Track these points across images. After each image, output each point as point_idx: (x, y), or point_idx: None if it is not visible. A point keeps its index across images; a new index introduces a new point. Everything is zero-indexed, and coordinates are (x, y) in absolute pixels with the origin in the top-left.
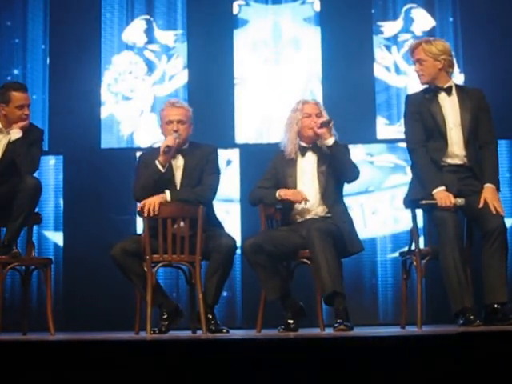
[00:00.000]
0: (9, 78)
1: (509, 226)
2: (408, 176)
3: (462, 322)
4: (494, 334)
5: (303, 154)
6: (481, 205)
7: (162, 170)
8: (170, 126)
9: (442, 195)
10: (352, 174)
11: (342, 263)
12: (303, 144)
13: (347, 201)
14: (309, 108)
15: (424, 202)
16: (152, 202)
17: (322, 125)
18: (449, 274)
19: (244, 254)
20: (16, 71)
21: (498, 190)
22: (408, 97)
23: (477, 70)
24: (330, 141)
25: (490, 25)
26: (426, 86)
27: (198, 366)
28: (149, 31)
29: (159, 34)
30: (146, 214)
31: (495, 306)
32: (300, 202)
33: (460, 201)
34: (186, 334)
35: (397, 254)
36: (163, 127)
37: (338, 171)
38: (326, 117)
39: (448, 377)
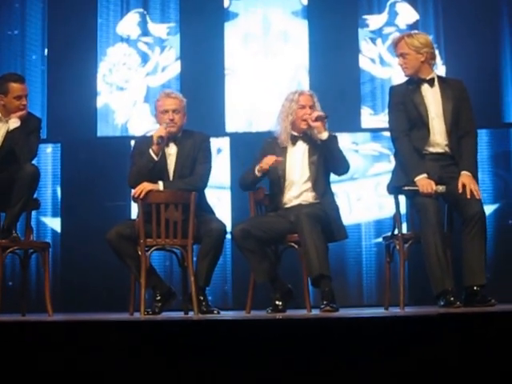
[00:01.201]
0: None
1: (489, 212)
2: (392, 164)
3: (442, 303)
4: (474, 315)
5: (294, 143)
6: (460, 190)
7: (156, 158)
8: (165, 115)
9: (423, 182)
10: (342, 168)
11: (328, 247)
12: (294, 133)
13: (333, 188)
14: (304, 99)
15: (406, 188)
16: (143, 187)
17: (318, 119)
18: (430, 257)
19: (234, 240)
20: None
21: (474, 177)
22: (392, 88)
23: (458, 61)
24: (324, 135)
25: (472, 16)
26: (409, 77)
27: (190, 346)
28: (142, 24)
29: (152, 26)
30: (133, 194)
31: (474, 288)
32: (276, 164)
33: (441, 188)
34: (178, 314)
35: (381, 239)
36: (158, 116)
37: (329, 164)
38: (321, 111)
39: (429, 355)
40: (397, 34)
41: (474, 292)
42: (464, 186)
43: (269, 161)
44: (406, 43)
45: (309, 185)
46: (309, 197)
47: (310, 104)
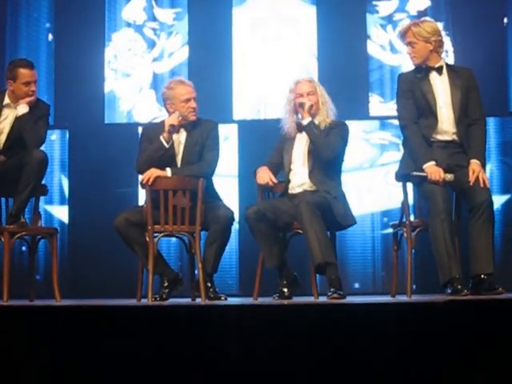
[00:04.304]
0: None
1: (499, 203)
2: (401, 153)
3: (450, 291)
4: (481, 303)
5: (301, 132)
6: (470, 178)
7: (167, 146)
8: (187, 103)
9: (432, 169)
10: (322, 154)
11: (335, 234)
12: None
13: (341, 177)
14: (300, 88)
15: (415, 173)
16: (151, 173)
17: (300, 106)
18: (438, 245)
19: (247, 221)
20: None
21: (483, 166)
22: (400, 76)
23: (467, 48)
24: (305, 121)
25: (481, 4)
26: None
27: (197, 332)
28: (148, 9)
29: (159, 12)
30: (142, 180)
31: (482, 276)
32: (267, 184)
33: (449, 176)
34: (185, 301)
35: (389, 229)
36: (177, 105)
37: (312, 149)
38: (303, 99)
39: (435, 342)
40: (407, 21)
41: (482, 280)
42: (473, 174)
43: (262, 180)
44: (413, 33)
45: (308, 174)
46: (310, 184)
47: (308, 91)
